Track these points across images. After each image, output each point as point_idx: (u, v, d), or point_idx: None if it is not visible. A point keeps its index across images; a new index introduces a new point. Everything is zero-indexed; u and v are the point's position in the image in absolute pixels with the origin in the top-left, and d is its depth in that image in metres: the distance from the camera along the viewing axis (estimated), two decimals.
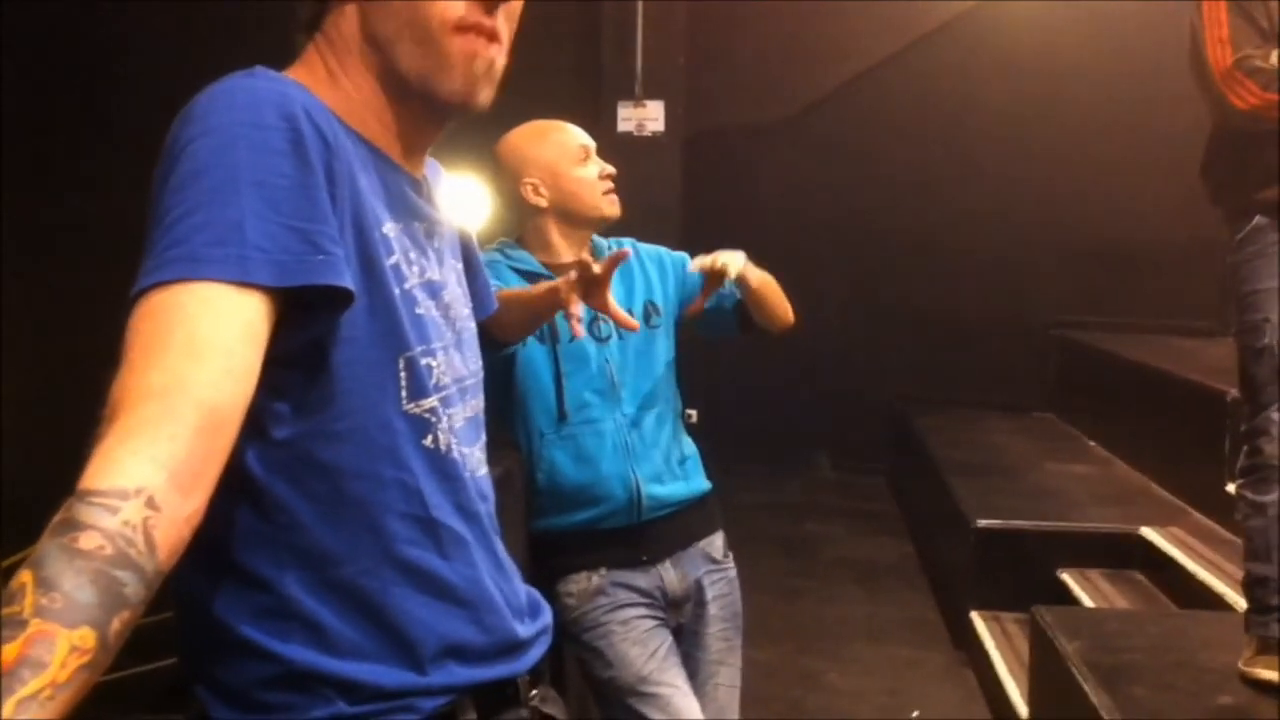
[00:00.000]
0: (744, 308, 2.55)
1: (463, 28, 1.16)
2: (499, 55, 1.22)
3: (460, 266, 1.37)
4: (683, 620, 2.55)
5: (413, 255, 1.21)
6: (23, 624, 0.78)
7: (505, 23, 1.21)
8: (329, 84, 1.20)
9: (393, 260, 1.17)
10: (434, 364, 1.21)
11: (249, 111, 1.05)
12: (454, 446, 1.22)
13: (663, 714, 2.37)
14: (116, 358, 0.96)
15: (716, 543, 2.60)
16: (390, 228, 1.18)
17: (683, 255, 2.62)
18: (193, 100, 1.07)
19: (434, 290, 1.24)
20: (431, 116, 1.25)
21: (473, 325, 1.36)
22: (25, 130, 3.84)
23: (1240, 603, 3.07)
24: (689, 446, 2.59)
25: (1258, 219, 2.80)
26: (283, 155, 1.04)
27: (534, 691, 1.32)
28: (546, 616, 1.38)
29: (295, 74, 1.20)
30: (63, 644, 0.79)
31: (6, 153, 3.63)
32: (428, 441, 1.19)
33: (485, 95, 1.22)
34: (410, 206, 1.24)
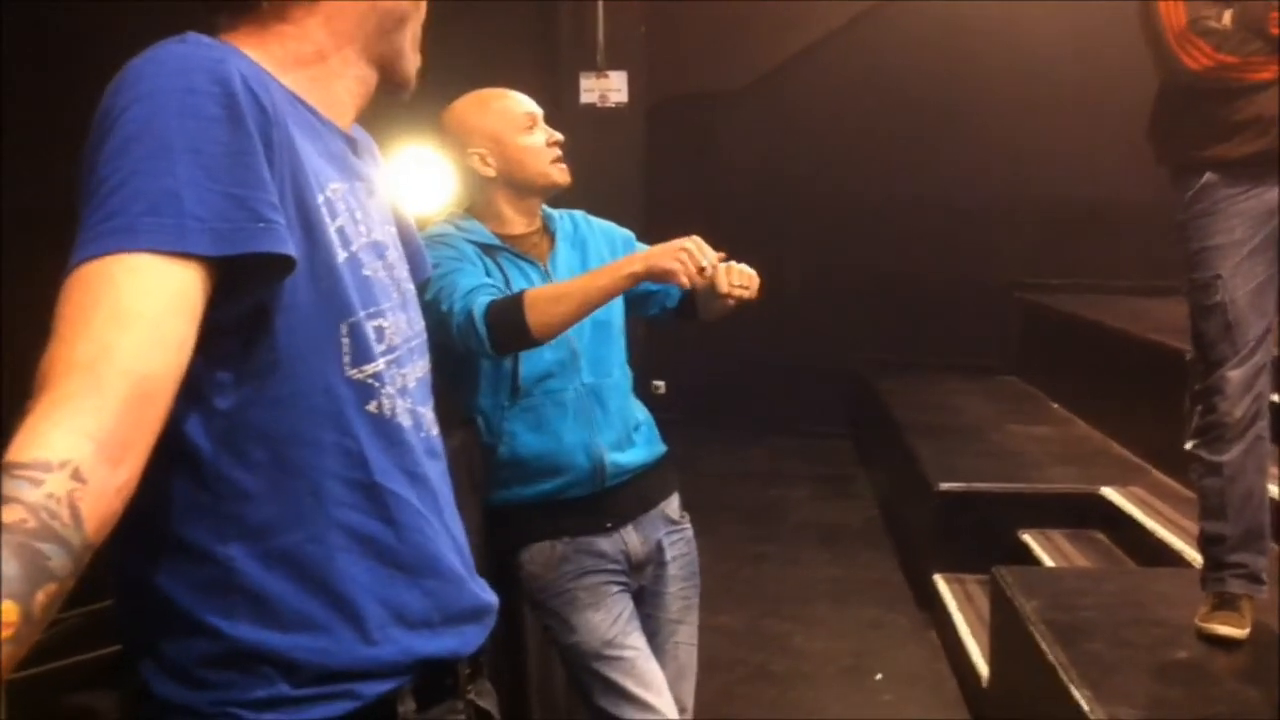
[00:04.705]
0: (690, 299, 2.54)
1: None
2: None
3: (394, 230, 1.36)
4: (643, 582, 2.57)
5: (358, 215, 1.21)
6: None
7: None
8: (276, 42, 1.19)
9: (338, 223, 1.16)
10: (385, 325, 1.20)
11: (181, 77, 1.03)
12: (401, 409, 1.22)
13: (627, 676, 2.40)
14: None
15: (674, 504, 2.62)
16: (336, 187, 1.17)
17: (629, 232, 2.64)
18: (124, 68, 1.05)
19: (380, 250, 1.24)
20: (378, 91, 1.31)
21: (413, 287, 1.35)
22: (26, 113, 3.82)
23: (1198, 559, 3.11)
24: (642, 411, 2.60)
25: (1207, 176, 2.82)
26: (217, 121, 1.02)
27: (470, 686, 1.31)
28: (493, 600, 1.36)
29: (239, 30, 1.19)
30: None
31: (8, 137, 3.60)
32: (371, 407, 1.18)
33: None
34: (351, 166, 1.24)
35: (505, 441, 2.43)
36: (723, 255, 2.29)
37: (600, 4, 6.11)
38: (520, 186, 2.45)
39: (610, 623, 2.44)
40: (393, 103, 1.33)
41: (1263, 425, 2.89)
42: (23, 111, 3.87)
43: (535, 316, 2.18)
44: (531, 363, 2.40)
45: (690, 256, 2.19)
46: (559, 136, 2.45)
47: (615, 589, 2.48)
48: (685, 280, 2.21)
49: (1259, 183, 2.78)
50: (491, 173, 2.42)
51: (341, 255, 1.15)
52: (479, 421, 2.45)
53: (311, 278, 1.11)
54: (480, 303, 2.21)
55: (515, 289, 2.36)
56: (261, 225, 1.02)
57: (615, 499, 2.49)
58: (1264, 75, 2.71)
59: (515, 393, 2.41)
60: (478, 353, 2.26)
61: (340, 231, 1.16)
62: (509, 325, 2.19)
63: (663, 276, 2.23)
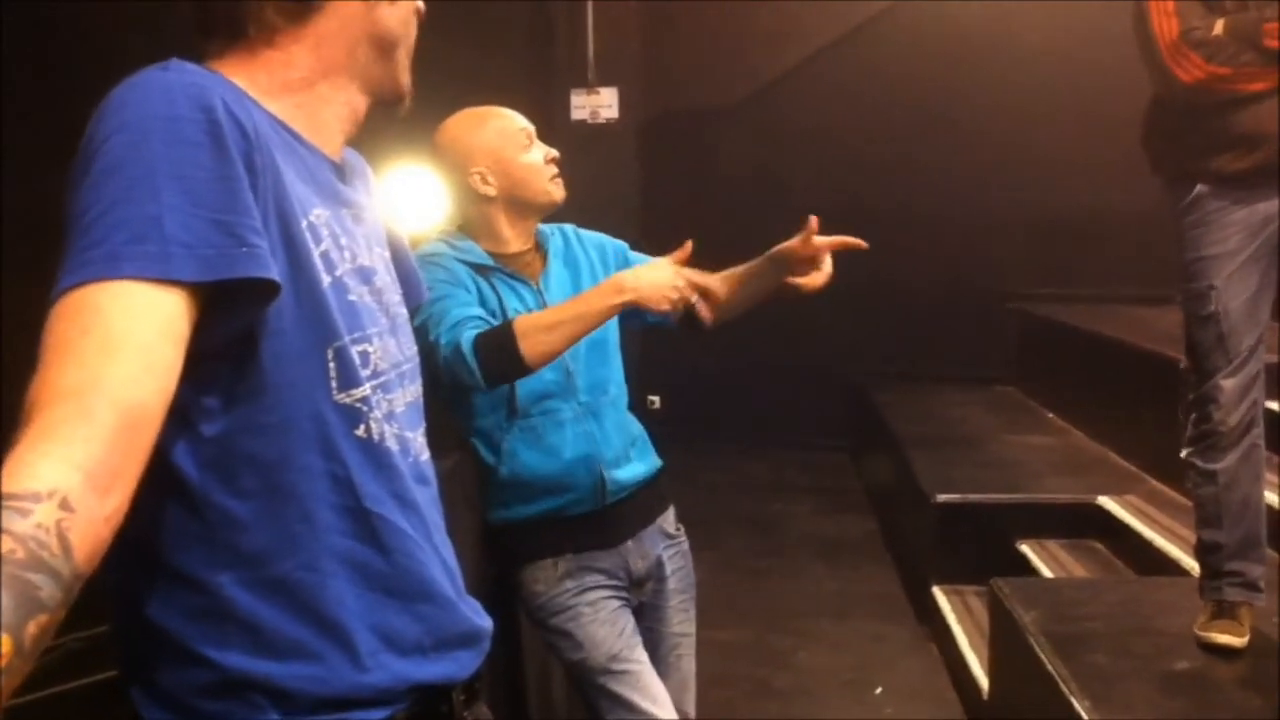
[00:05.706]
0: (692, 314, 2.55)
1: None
2: None
3: (387, 255, 1.36)
4: (643, 598, 2.58)
5: (343, 241, 1.21)
6: None
7: None
8: (263, 69, 1.19)
9: (322, 248, 1.16)
10: (371, 350, 1.20)
11: (164, 104, 1.03)
12: (389, 434, 1.22)
13: (634, 690, 2.42)
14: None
15: (670, 517, 2.64)
16: (319, 213, 1.17)
17: (622, 244, 2.63)
18: (107, 96, 1.05)
19: (366, 276, 1.24)
20: (372, 110, 1.31)
21: (404, 311, 1.35)
22: (27, 115, 3.81)
23: (1196, 568, 3.11)
24: (637, 426, 2.60)
25: (1199, 188, 2.83)
26: (200, 146, 1.02)
27: (466, 713, 1.31)
28: (487, 624, 1.36)
29: (228, 58, 1.19)
30: None
31: (8, 137, 3.59)
32: (360, 431, 1.18)
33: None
34: (336, 192, 1.24)
35: (506, 461, 2.42)
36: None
37: (591, 20, 6.13)
38: (521, 205, 2.44)
39: (615, 637, 2.45)
40: (384, 120, 1.34)
41: (1257, 433, 2.90)
42: (23, 113, 3.87)
43: (529, 346, 2.14)
44: (528, 383, 2.38)
45: (680, 293, 2.17)
46: (555, 153, 2.45)
47: (617, 604, 2.49)
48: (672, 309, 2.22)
49: (1254, 194, 2.79)
50: (492, 191, 2.41)
51: (326, 280, 1.15)
52: (478, 442, 2.45)
53: (296, 302, 1.11)
54: (468, 336, 2.17)
55: (509, 309, 2.36)
56: (245, 250, 1.02)
57: (616, 515, 2.50)
58: (1257, 86, 2.71)
59: (513, 413, 2.40)
60: (469, 385, 2.22)
61: (324, 256, 1.16)
62: (501, 357, 2.15)
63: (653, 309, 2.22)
